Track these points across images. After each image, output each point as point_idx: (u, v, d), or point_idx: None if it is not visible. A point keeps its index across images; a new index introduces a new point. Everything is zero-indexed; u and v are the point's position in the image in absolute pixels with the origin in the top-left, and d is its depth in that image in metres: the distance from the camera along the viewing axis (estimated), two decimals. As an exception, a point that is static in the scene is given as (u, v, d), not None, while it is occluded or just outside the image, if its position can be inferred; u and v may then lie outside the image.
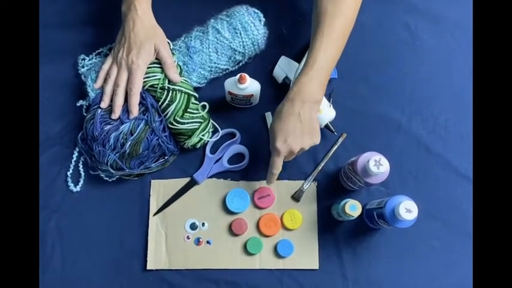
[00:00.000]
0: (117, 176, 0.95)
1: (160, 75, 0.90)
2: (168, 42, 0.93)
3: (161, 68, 0.91)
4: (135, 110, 0.89)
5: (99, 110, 0.90)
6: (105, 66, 0.93)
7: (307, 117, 0.81)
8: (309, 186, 0.95)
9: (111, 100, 0.91)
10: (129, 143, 0.89)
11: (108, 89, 0.91)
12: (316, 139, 0.84)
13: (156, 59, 0.91)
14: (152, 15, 0.92)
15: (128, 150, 0.89)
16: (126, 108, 0.90)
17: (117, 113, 0.89)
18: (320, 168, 0.96)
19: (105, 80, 0.92)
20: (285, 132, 0.81)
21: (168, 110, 0.90)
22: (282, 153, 0.82)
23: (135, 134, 0.89)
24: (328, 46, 0.81)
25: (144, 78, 0.90)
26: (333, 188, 0.95)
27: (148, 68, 0.90)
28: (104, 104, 0.91)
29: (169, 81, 0.91)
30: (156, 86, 0.90)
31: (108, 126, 0.89)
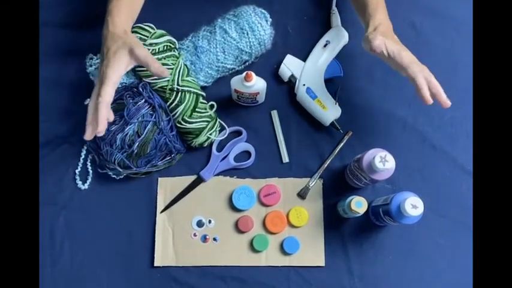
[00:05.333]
0: (124, 174, 0.96)
1: (169, 77, 0.90)
2: (175, 42, 0.94)
3: (170, 69, 0.90)
4: (102, 125, 0.78)
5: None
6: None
7: None
8: (315, 184, 0.96)
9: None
10: (137, 144, 0.89)
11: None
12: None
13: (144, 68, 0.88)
14: (126, 24, 0.86)
15: (136, 151, 0.90)
16: (131, 108, 0.90)
17: (87, 133, 0.80)
18: (326, 165, 0.96)
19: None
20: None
21: (176, 110, 0.91)
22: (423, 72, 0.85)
23: (143, 135, 0.90)
24: None
25: (153, 79, 0.90)
26: (339, 185, 0.96)
27: None
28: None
29: (178, 83, 0.90)
30: (165, 87, 0.90)
31: (114, 127, 0.90)
